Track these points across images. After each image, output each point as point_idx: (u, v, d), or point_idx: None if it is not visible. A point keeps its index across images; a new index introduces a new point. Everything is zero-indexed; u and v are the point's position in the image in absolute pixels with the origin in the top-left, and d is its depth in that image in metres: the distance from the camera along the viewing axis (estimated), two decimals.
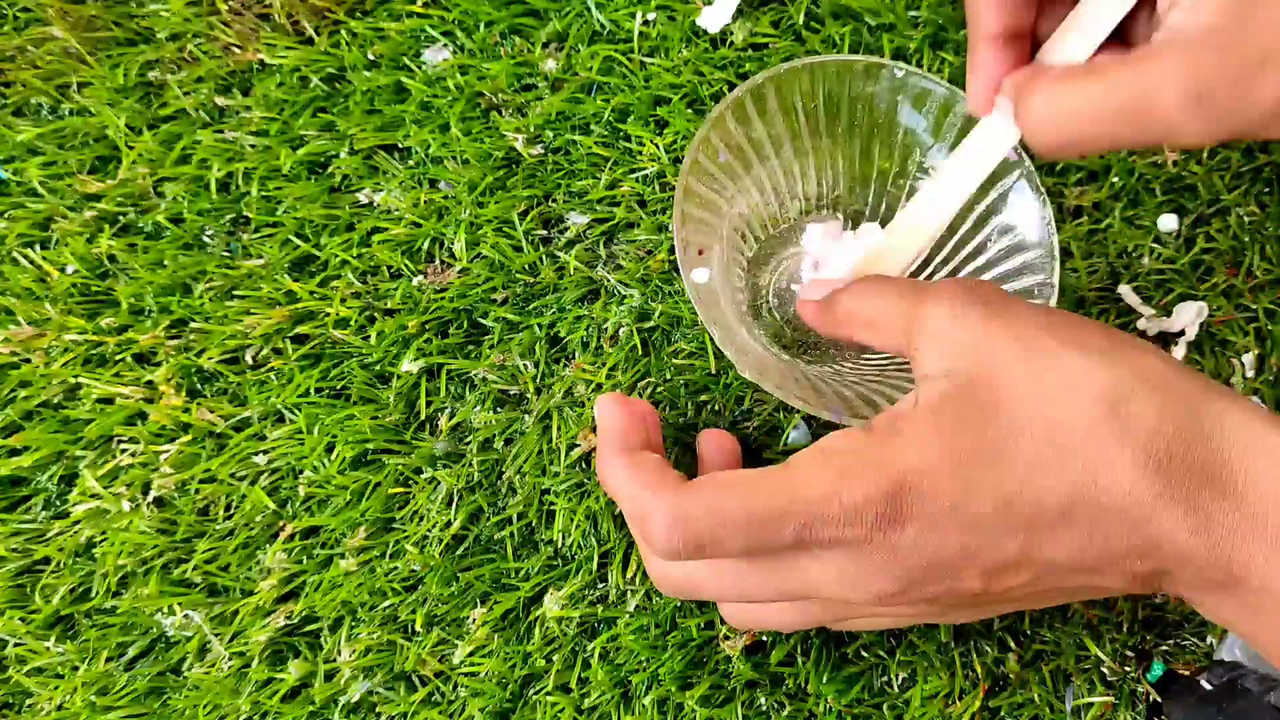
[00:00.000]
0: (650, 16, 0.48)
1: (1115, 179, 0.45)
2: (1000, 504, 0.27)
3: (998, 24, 0.32)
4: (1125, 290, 0.44)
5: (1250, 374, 0.43)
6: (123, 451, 0.44)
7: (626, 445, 0.33)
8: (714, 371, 0.43)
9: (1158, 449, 0.27)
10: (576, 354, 0.44)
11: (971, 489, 0.27)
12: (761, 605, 0.33)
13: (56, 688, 0.41)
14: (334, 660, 0.41)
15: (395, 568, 0.42)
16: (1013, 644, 0.40)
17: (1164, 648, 0.40)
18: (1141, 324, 0.44)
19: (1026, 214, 0.39)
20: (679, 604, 0.40)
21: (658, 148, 0.46)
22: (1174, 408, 0.27)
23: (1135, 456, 0.27)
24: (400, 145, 0.48)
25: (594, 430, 0.42)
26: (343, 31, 0.49)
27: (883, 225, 0.44)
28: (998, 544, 0.28)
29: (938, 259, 0.43)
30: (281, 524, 0.43)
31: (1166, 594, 0.30)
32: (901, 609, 0.31)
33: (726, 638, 0.40)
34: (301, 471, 0.43)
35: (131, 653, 0.42)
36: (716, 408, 0.43)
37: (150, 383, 0.45)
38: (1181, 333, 0.44)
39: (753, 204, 0.42)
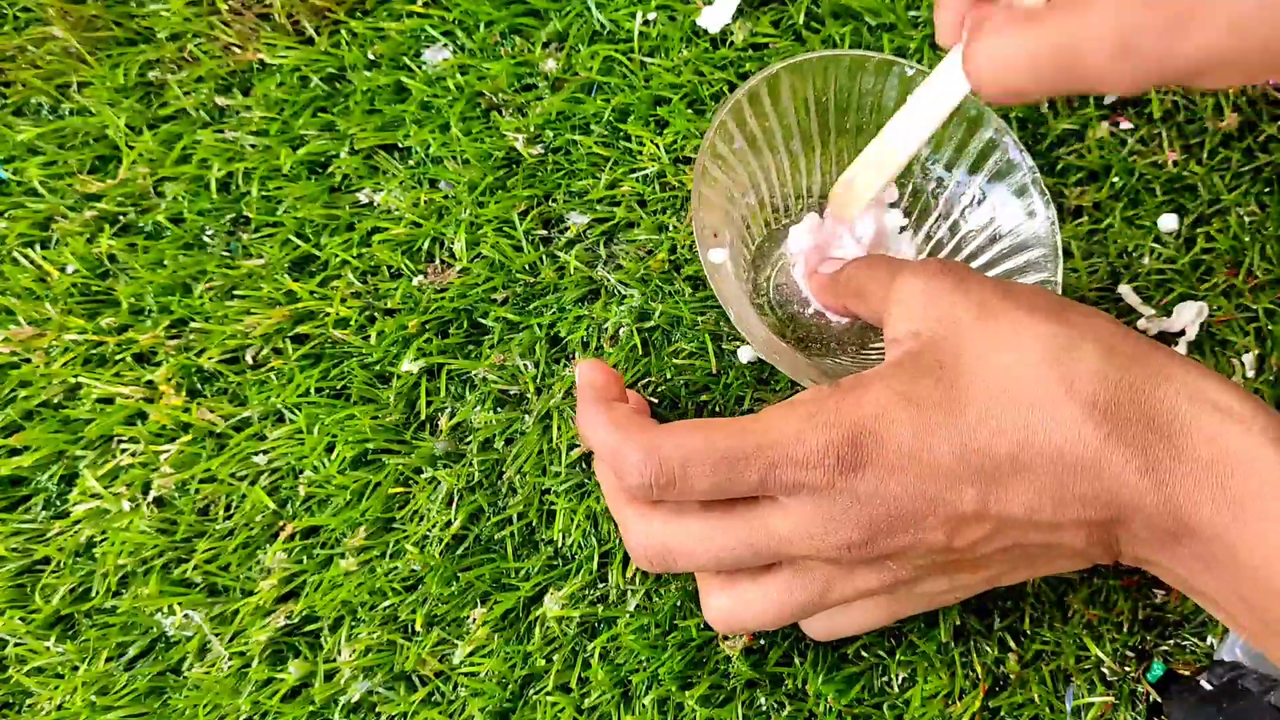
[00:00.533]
0: (650, 16, 0.48)
1: (1115, 179, 0.45)
2: (955, 449, 0.28)
3: None
4: (1125, 290, 0.44)
5: (1250, 374, 0.43)
6: (123, 451, 0.44)
7: (604, 397, 0.34)
8: (714, 371, 0.43)
9: (1104, 396, 0.28)
10: (576, 354, 0.44)
11: (927, 434, 0.28)
12: (742, 599, 0.33)
13: (56, 688, 0.41)
14: (334, 660, 0.41)
15: (395, 568, 0.42)
16: (1013, 644, 0.40)
17: (1164, 648, 0.40)
18: (1142, 324, 0.44)
19: (1030, 215, 0.40)
20: (679, 603, 0.40)
21: (658, 148, 0.46)
22: (1119, 359, 0.28)
23: (1082, 402, 0.28)
24: (400, 145, 0.48)
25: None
26: (343, 31, 0.49)
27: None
28: (955, 492, 0.28)
29: (942, 256, 0.43)
30: (281, 524, 0.43)
31: (1125, 559, 0.30)
32: (872, 584, 0.31)
33: (726, 638, 0.40)
34: (301, 471, 0.43)
35: (131, 653, 0.42)
36: (716, 408, 0.43)
37: (150, 383, 0.45)
38: (1181, 333, 0.44)
39: (761, 197, 0.42)
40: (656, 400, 0.43)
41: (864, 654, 0.40)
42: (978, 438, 0.28)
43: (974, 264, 0.41)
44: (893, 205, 0.43)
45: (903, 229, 0.43)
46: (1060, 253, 0.39)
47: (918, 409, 0.29)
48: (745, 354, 0.43)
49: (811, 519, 0.29)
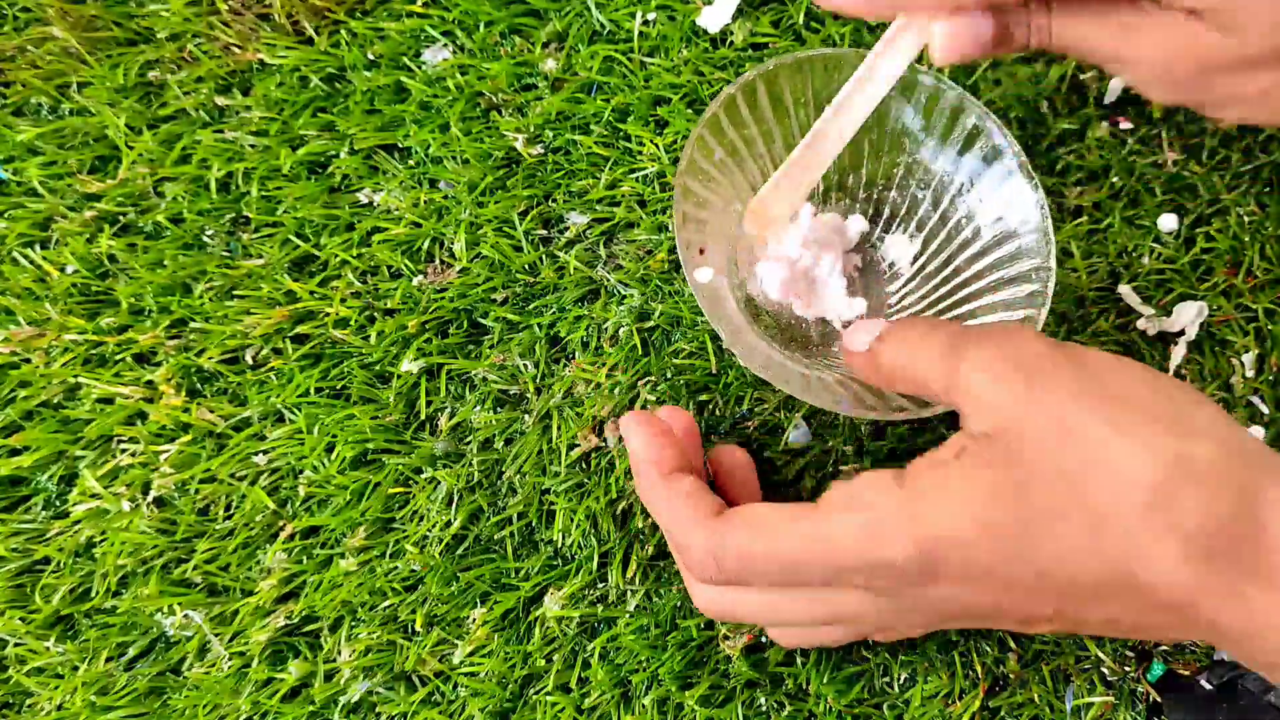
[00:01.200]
0: (650, 16, 0.48)
1: (1115, 179, 0.45)
2: (1035, 577, 0.27)
3: None
4: (1125, 290, 0.44)
5: (1250, 374, 0.43)
6: (123, 451, 0.44)
7: (662, 469, 0.34)
8: (714, 371, 0.43)
9: (1202, 543, 0.26)
10: (576, 354, 0.44)
11: (1005, 562, 0.27)
12: (809, 629, 0.35)
13: (56, 688, 0.41)
14: (334, 660, 0.41)
15: (395, 568, 0.42)
16: (1013, 644, 0.40)
17: (1164, 648, 0.40)
18: (1141, 324, 0.44)
19: (1019, 200, 0.39)
20: (679, 604, 0.40)
21: (658, 148, 0.46)
22: (1222, 498, 0.26)
23: (1178, 549, 0.26)
24: (400, 145, 0.48)
25: (619, 442, 0.43)
26: (343, 31, 0.49)
27: (875, 223, 0.44)
28: (1033, 604, 0.28)
29: (931, 249, 0.42)
30: (281, 524, 0.43)
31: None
32: (915, 632, 0.35)
33: (726, 637, 0.40)
34: (301, 471, 0.43)
35: (131, 653, 0.42)
36: (717, 409, 0.43)
37: (150, 383, 0.45)
38: (1181, 333, 0.44)
39: (746, 200, 0.42)
40: (656, 401, 0.43)
41: (864, 654, 0.40)
42: (1060, 570, 0.27)
43: (966, 253, 0.41)
44: (829, 210, 0.44)
45: (873, 235, 0.44)
46: (1051, 237, 0.38)
47: (995, 536, 0.27)
48: None
49: (881, 609, 0.30)
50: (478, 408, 0.43)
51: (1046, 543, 0.27)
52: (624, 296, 0.44)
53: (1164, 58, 0.32)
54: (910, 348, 0.32)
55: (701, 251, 0.38)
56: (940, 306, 0.41)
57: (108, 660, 0.42)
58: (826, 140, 0.37)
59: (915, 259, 0.43)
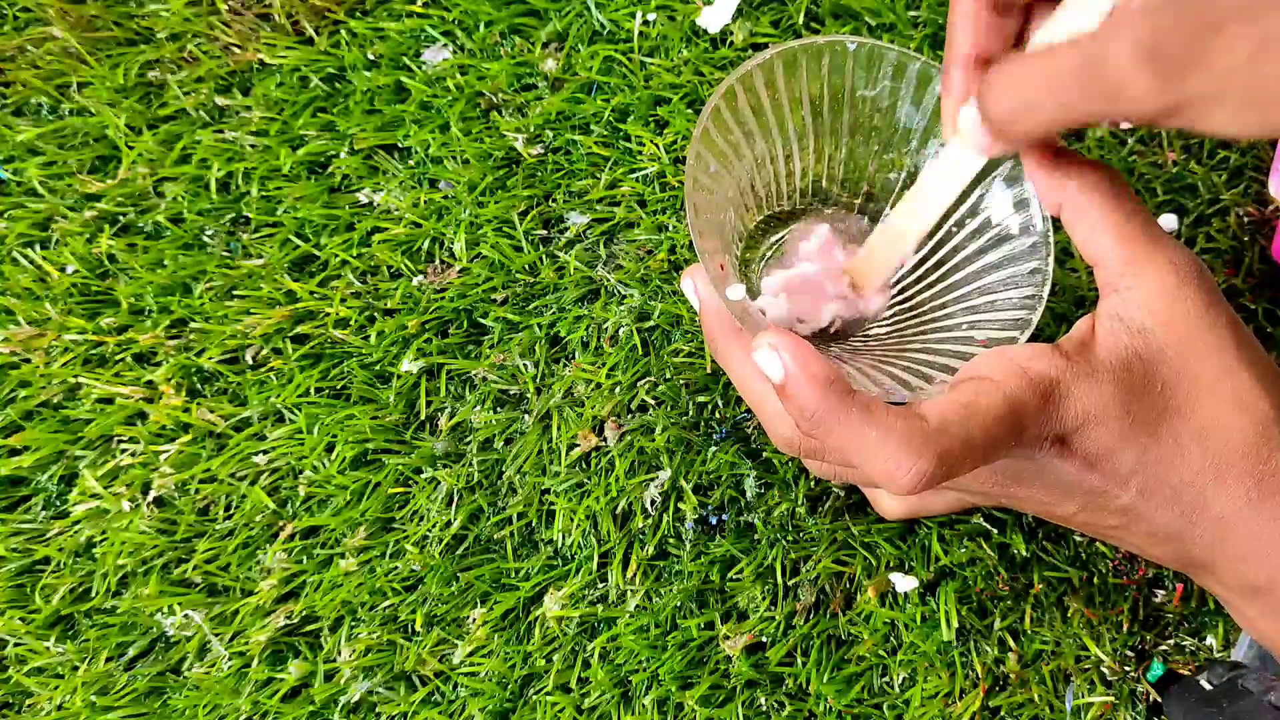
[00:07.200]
0: (650, 16, 0.48)
1: None
2: (1136, 464, 0.30)
3: (971, 45, 0.33)
4: None
5: None
6: (123, 451, 0.44)
7: (843, 387, 0.30)
8: (713, 371, 0.43)
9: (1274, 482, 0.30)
10: (576, 354, 0.44)
11: (1125, 442, 0.30)
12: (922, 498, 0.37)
13: (56, 688, 0.41)
14: (334, 660, 0.41)
15: (395, 568, 0.42)
16: (1013, 644, 0.40)
17: (1164, 648, 0.40)
18: None
19: (1021, 202, 0.39)
20: (679, 604, 0.40)
21: (658, 148, 0.46)
22: None
23: (1263, 503, 0.30)
24: (400, 145, 0.48)
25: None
26: (343, 31, 0.49)
27: (866, 215, 0.44)
28: (1113, 492, 0.31)
29: (928, 249, 0.42)
30: (281, 524, 0.43)
31: (1190, 572, 0.33)
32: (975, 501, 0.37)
33: (727, 638, 0.40)
34: (301, 471, 0.43)
35: (131, 653, 0.42)
36: (716, 410, 0.43)
37: (150, 383, 0.45)
38: None
39: (745, 192, 0.42)
40: (656, 401, 0.43)
41: (864, 654, 0.40)
42: (1159, 465, 0.30)
43: (963, 253, 0.41)
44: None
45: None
46: (1051, 240, 0.38)
47: (1129, 421, 0.31)
48: None
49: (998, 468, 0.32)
50: (478, 408, 0.43)
51: (1159, 444, 0.31)
52: (624, 296, 0.44)
53: (1149, 26, 0.27)
54: (1124, 215, 0.33)
55: (723, 268, 0.38)
56: (934, 304, 0.41)
57: (108, 660, 0.42)
58: (911, 214, 0.38)
59: (913, 259, 0.43)
